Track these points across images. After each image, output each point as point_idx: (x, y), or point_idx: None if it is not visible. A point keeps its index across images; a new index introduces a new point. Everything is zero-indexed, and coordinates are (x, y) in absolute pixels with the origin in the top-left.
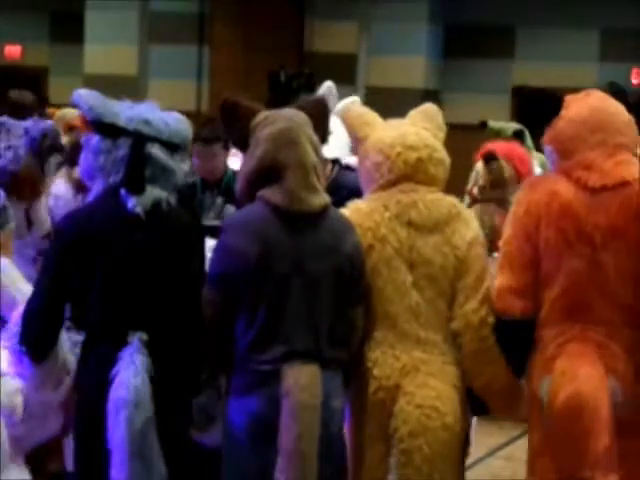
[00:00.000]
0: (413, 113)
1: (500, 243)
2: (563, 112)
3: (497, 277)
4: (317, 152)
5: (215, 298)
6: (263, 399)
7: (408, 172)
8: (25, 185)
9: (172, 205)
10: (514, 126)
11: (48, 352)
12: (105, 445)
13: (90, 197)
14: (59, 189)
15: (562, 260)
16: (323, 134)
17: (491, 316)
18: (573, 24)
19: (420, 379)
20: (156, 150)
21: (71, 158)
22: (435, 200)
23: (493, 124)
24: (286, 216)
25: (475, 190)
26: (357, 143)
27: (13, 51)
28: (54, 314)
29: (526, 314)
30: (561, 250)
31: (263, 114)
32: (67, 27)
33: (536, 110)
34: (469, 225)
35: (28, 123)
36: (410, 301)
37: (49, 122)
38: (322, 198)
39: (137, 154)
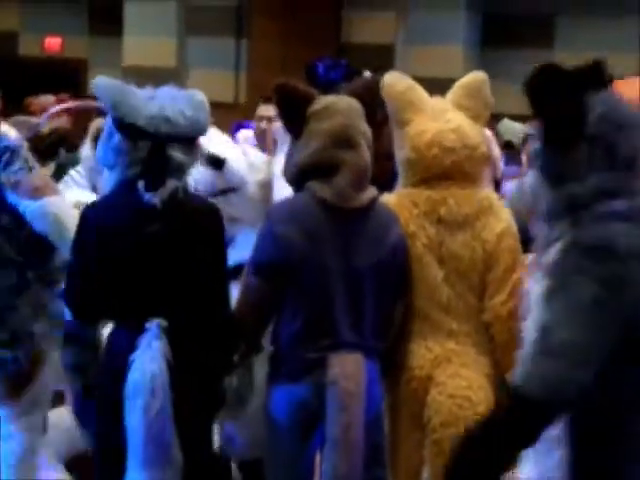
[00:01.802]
0: (456, 88)
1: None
2: None
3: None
4: (369, 147)
5: (258, 284)
6: (308, 387)
7: (442, 173)
8: None
9: (188, 193)
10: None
11: (93, 317)
12: (123, 430)
13: (107, 187)
14: None
15: None
16: (373, 119)
17: (520, 308)
18: (614, 12)
19: (452, 369)
20: (175, 152)
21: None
22: (466, 195)
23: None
24: (332, 210)
25: None
26: (397, 125)
27: (53, 43)
28: (87, 300)
29: None
30: None
31: (320, 103)
32: (106, 19)
33: None
34: (500, 217)
35: None
36: (441, 296)
37: None
38: (370, 193)
39: (157, 158)
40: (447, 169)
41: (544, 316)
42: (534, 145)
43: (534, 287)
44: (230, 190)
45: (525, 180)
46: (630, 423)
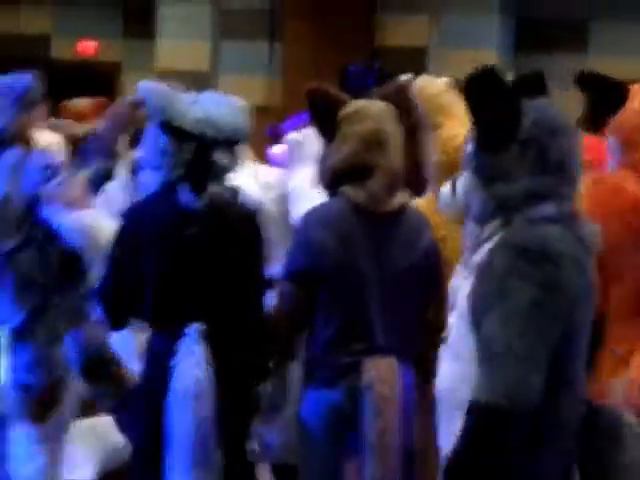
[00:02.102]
0: None
1: None
2: (628, 103)
3: None
4: (402, 150)
5: (292, 291)
6: (343, 392)
7: None
8: (21, 142)
9: (229, 197)
10: None
11: (125, 323)
12: (163, 436)
13: (147, 189)
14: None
15: (631, 257)
16: (406, 122)
17: None
18: None
19: None
20: (219, 155)
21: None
22: None
23: None
24: (366, 214)
25: None
26: (429, 128)
27: (87, 46)
28: (121, 300)
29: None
30: (629, 248)
31: (352, 107)
32: (140, 23)
33: (600, 99)
34: None
35: (8, 80)
36: None
37: (27, 76)
38: (402, 197)
39: (201, 161)
40: None
41: (488, 325)
42: (469, 147)
43: (459, 284)
44: None
45: (457, 181)
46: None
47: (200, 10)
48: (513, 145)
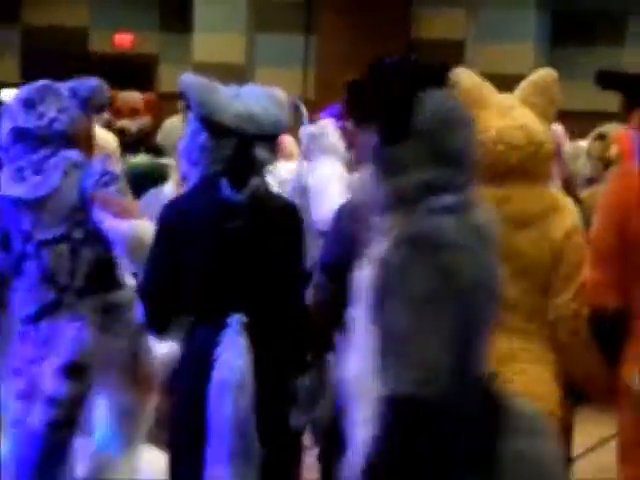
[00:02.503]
0: (525, 84)
1: (590, 235)
2: None
3: (587, 271)
4: None
5: (325, 283)
6: None
7: (507, 170)
8: (82, 144)
9: (268, 190)
10: None
11: (167, 326)
12: (204, 426)
13: (189, 184)
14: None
15: None
16: None
17: (585, 308)
18: None
19: (518, 366)
20: (260, 150)
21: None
22: (530, 193)
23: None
24: None
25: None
26: None
27: (124, 39)
28: (163, 296)
29: (619, 308)
30: None
31: None
32: (177, 15)
33: (624, 94)
34: (566, 216)
35: (72, 83)
36: (505, 294)
37: (94, 79)
38: None
39: (243, 156)
40: (512, 166)
41: (389, 316)
42: (372, 139)
43: (362, 275)
44: None
45: (363, 174)
46: None
47: (236, 3)
48: (411, 137)
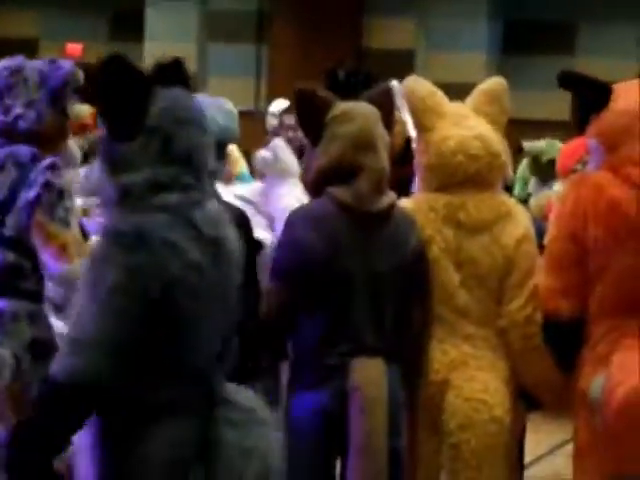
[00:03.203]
0: (476, 94)
1: (546, 242)
2: (611, 104)
3: (543, 278)
4: (387, 151)
5: (280, 292)
6: (330, 393)
7: (465, 180)
8: (49, 143)
9: (218, 198)
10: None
11: None
12: None
13: None
14: None
15: (612, 257)
16: (389, 125)
17: (538, 314)
18: (636, 18)
19: (468, 373)
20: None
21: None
22: (485, 200)
23: (529, 147)
24: (353, 214)
25: None
26: (418, 131)
27: (74, 49)
28: None
29: (574, 314)
30: (611, 248)
31: (339, 108)
32: (127, 25)
33: (581, 100)
34: (518, 223)
35: (43, 66)
36: (458, 300)
37: (66, 64)
38: (389, 198)
39: None
40: (470, 176)
41: (76, 309)
42: (101, 134)
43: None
44: None
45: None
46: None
47: (187, 12)
48: (140, 134)
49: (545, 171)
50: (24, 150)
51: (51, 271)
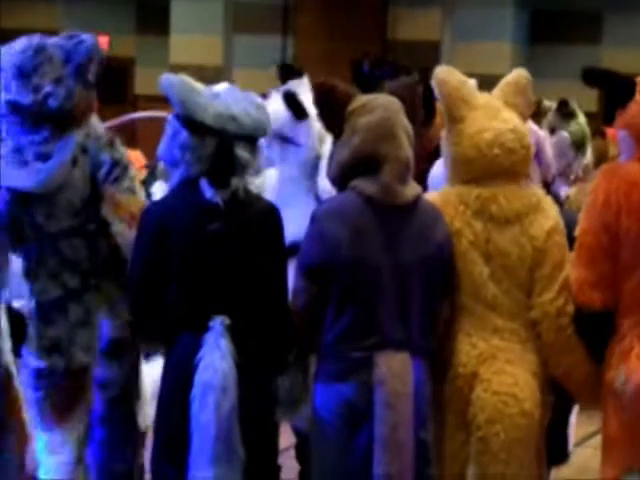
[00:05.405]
0: (504, 85)
1: (577, 234)
2: (638, 95)
3: (574, 270)
4: (410, 142)
5: (306, 286)
6: (355, 386)
7: (500, 173)
8: (79, 118)
9: (249, 192)
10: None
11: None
12: (187, 428)
13: (170, 186)
14: None
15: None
16: (413, 118)
17: (569, 305)
18: None
19: (497, 366)
20: (241, 150)
21: None
22: (515, 191)
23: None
24: (379, 207)
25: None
26: (450, 121)
27: (101, 42)
28: (148, 299)
29: (605, 306)
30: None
31: (360, 100)
32: (153, 18)
33: (609, 94)
34: (548, 214)
35: (64, 42)
36: (487, 293)
37: (87, 37)
38: (414, 188)
39: (224, 155)
40: (505, 169)
41: None
42: None
43: None
44: (291, 142)
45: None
46: None
47: (213, 4)
48: None
49: None
50: (78, 136)
51: (126, 240)
